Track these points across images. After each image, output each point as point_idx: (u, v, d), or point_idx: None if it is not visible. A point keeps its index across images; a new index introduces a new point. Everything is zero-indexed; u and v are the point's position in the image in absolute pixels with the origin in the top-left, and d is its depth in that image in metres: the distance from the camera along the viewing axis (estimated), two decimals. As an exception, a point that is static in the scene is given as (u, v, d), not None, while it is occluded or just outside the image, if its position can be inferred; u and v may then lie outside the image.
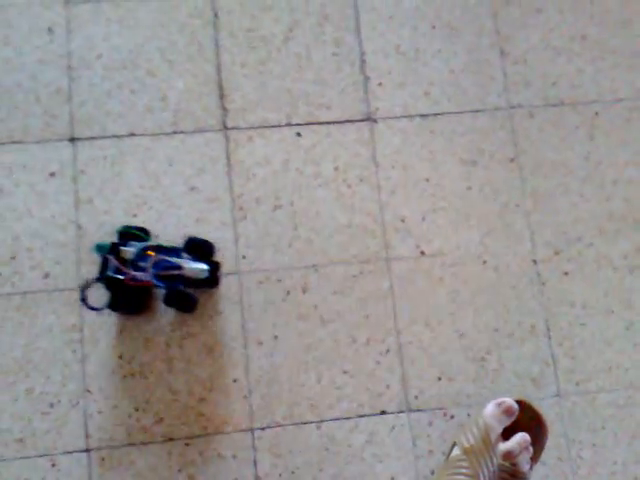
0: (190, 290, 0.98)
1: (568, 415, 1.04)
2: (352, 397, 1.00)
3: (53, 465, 0.94)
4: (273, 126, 1.09)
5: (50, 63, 1.06)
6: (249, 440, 0.97)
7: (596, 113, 1.15)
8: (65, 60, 1.06)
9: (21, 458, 0.96)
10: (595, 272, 1.09)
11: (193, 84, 1.08)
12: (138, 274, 0.93)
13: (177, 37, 1.09)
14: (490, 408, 0.91)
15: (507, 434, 0.91)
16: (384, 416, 1.00)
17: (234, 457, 0.96)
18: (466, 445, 0.88)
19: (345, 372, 1.00)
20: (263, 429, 0.98)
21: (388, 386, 1.01)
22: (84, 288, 0.94)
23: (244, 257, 1.01)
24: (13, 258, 0.99)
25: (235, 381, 0.99)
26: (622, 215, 1.09)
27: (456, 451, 0.89)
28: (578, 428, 1.04)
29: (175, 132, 1.06)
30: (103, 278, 0.91)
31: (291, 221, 1.04)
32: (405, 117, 1.10)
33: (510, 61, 1.14)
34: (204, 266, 0.96)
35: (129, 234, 0.93)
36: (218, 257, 1.02)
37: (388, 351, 1.01)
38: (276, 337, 1.00)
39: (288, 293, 1.03)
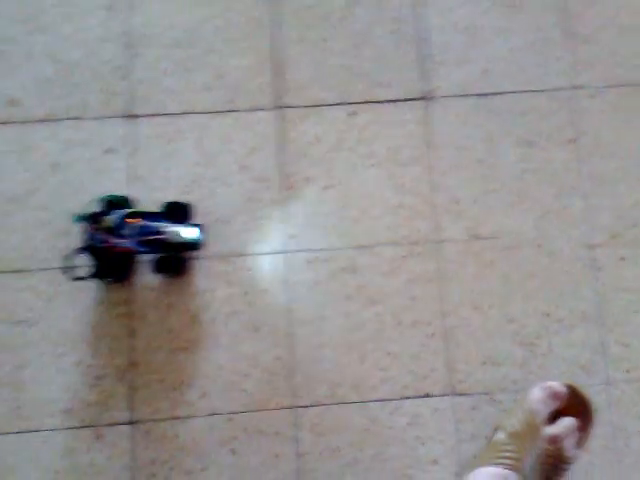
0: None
1: (616, 403, 1.06)
2: (396, 379, 1.05)
3: (98, 437, 1.03)
4: (328, 105, 1.14)
5: (109, 40, 1.13)
6: (291, 418, 1.03)
7: None
8: (124, 38, 1.12)
9: (67, 429, 1.04)
10: None
11: (249, 62, 1.13)
12: (120, 241, 0.94)
13: (234, 15, 1.15)
14: (536, 392, 0.94)
15: (554, 418, 0.93)
16: (428, 399, 1.04)
17: (276, 434, 1.02)
18: (511, 429, 0.90)
19: (389, 354, 1.05)
20: (306, 407, 1.04)
21: (433, 369, 1.05)
22: (68, 259, 0.95)
23: (293, 236, 1.06)
24: (67, 233, 1.05)
25: (279, 359, 1.04)
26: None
27: (499, 435, 0.92)
28: (626, 417, 1.06)
29: (230, 110, 1.11)
30: (86, 248, 0.93)
31: (341, 201, 1.09)
32: (462, 96, 1.14)
33: (577, 40, 1.16)
34: (187, 229, 0.97)
35: (113, 203, 0.96)
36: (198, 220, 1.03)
37: (434, 334, 1.05)
38: (321, 317, 1.05)
39: (335, 273, 1.07)
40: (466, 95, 1.13)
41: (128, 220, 0.94)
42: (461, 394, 1.05)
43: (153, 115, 1.10)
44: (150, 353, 1.05)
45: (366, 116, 1.12)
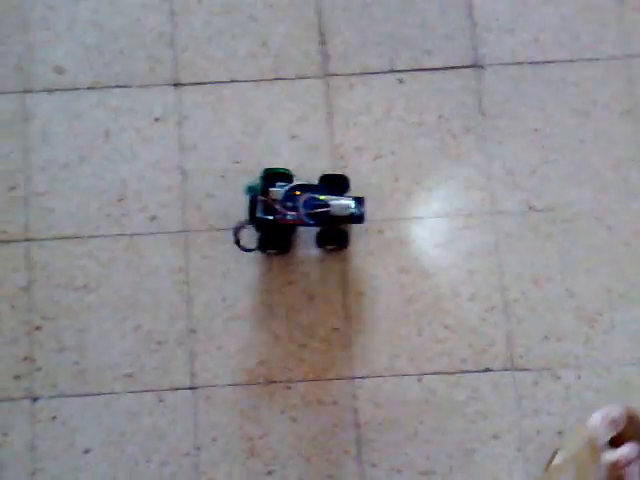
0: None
1: None
2: (454, 352, 1.08)
3: (160, 400, 1.06)
4: (375, 73, 1.17)
5: (153, 8, 1.17)
6: (350, 388, 1.06)
7: None
8: (168, 5, 1.17)
9: (130, 392, 1.07)
10: None
11: (294, 29, 1.17)
12: (290, 213, 1.03)
13: (278, -19, 1.17)
14: (596, 417, 0.97)
15: (616, 444, 0.95)
16: (488, 373, 1.08)
17: (335, 403, 1.06)
18: (569, 454, 0.93)
19: (447, 327, 1.09)
20: (363, 378, 1.07)
21: (492, 343, 1.09)
22: (237, 230, 1.05)
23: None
24: (121, 200, 1.10)
25: (336, 329, 1.08)
26: None
27: (558, 459, 0.94)
28: None
29: (276, 78, 1.16)
30: (254, 220, 1.00)
31: (392, 171, 1.13)
32: (514, 64, 1.17)
33: (629, 7, 1.18)
34: (351, 202, 1.05)
35: (274, 174, 1.02)
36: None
37: (493, 308, 1.09)
38: (377, 288, 1.09)
39: (389, 244, 1.11)
40: (518, 63, 1.17)
41: (295, 192, 1.01)
42: (522, 369, 1.08)
43: (199, 83, 1.14)
44: (207, 320, 1.10)
45: (415, 84, 1.16)
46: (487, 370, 1.09)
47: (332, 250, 1.11)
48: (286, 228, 1.03)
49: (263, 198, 1.03)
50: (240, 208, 1.07)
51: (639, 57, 1.19)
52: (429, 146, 1.15)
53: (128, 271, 1.10)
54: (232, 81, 1.15)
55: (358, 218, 1.02)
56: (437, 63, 1.18)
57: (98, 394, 1.07)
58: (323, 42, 1.17)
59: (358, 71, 1.17)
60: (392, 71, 1.18)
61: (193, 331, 1.09)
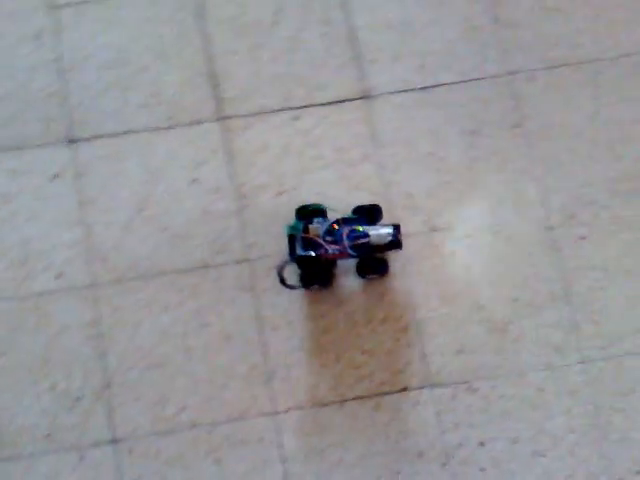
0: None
1: (595, 381, 1.17)
2: (373, 376, 1.16)
3: (81, 458, 1.11)
4: (270, 111, 1.25)
5: (41, 68, 1.24)
6: (273, 423, 1.13)
7: (599, 71, 1.29)
8: (56, 64, 1.23)
9: (49, 453, 1.11)
10: (612, 234, 1.23)
11: (185, 76, 1.25)
12: (332, 247, 1.09)
13: (165, 31, 1.27)
14: None
15: None
16: (406, 392, 1.16)
17: (259, 441, 1.12)
18: None
19: (364, 352, 1.17)
20: (287, 412, 1.14)
21: (408, 363, 1.16)
22: (280, 270, 1.09)
23: (253, 245, 1.19)
24: (24, 261, 1.16)
25: (255, 366, 1.15)
26: (634, 174, 1.25)
27: None
28: (606, 394, 1.17)
29: (172, 126, 1.23)
30: (295, 257, 1.07)
31: (296, 205, 1.20)
32: (402, 92, 1.27)
33: (505, 25, 1.30)
34: (389, 230, 1.09)
35: (309, 212, 1.11)
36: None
37: (406, 328, 1.18)
38: (291, 321, 1.17)
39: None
40: (406, 90, 1.26)
41: (334, 226, 1.08)
42: (439, 385, 1.16)
43: (94, 137, 1.21)
44: (124, 372, 1.16)
45: (310, 119, 1.24)
46: (405, 390, 1.16)
47: (373, 279, 1.17)
48: (327, 262, 1.10)
49: (305, 235, 1.10)
50: (148, 254, 1.16)
51: (520, 72, 1.29)
52: (330, 178, 1.23)
53: (38, 331, 1.14)
54: (128, 132, 1.22)
55: (397, 244, 1.09)
56: (329, 97, 1.26)
57: (17, 458, 1.10)
58: (216, 86, 1.25)
59: (253, 111, 1.25)
60: (287, 109, 1.26)
61: (109, 384, 1.13)
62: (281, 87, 1.25)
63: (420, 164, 1.24)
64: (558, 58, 1.29)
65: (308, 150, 1.23)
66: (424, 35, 1.29)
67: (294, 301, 1.16)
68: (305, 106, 1.24)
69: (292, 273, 1.14)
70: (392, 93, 1.26)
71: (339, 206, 1.16)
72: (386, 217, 1.18)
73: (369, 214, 1.12)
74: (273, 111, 1.25)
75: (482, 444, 1.14)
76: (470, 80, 1.28)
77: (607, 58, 1.29)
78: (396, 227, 1.12)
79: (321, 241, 1.07)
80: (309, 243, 1.08)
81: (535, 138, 1.26)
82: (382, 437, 1.13)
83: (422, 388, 1.16)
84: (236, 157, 1.20)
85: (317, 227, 1.11)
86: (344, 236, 1.07)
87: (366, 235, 1.07)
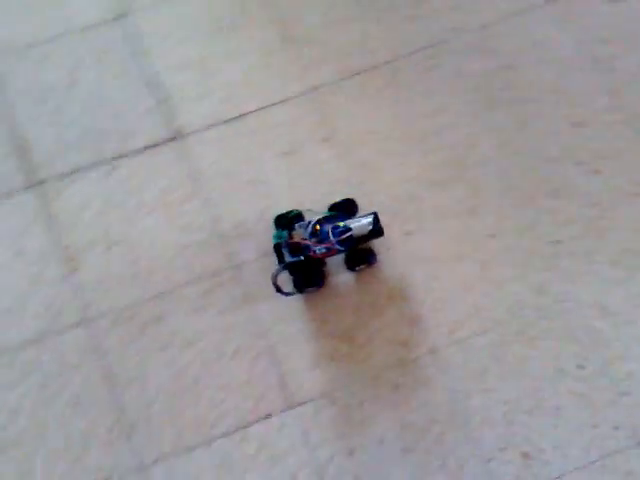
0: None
1: (448, 367, 1.21)
2: (234, 409, 1.17)
3: None
4: (84, 169, 1.25)
5: None
6: (143, 478, 1.13)
7: (396, 70, 1.34)
8: None
9: None
10: (437, 223, 1.28)
11: (-10, 151, 1.22)
12: (320, 247, 1.12)
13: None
14: None
15: None
16: (270, 419, 1.17)
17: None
18: None
19: (222, 387, 1.17)
20: (155, 462, 1.14)
21: (267, 389, 1.18)
22: (275, 279, 1.12)
23: (90, 304, 1.18)
24: None
25: (114, 424, 1.14)
26: (446, 162, 1.30)
27: None
28: (461, 378, 1.21)
29: (-15, 201, 1.20)
30: (286, 264, 1.11)
31: (129, 256, 1.21)
32: (213, 126, 1.29)
33: (298, 44, 1.34)
34: (369, 219, 1.12)
35: (286, 218, 1.17)
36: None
37: (258, 355, 1.19)
38: (144, 373, 1.16)
39: (144, 326, 1.18)
40: (216, 124, 1.29)
41: (317, 227, 1.10)
42: (300, 404, 1.17)
43: None
44: None
45: (126, 169, 1.25)
46: (269, 416, 1.17)
47: (362, 270, 1.20)
48: (317, 264, 1.14)
49: (292, 241, 1.14)
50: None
51: (323, 86, 1.33)
52: (157, 222, 1.25)
53: None
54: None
55: (378, 232, 1.13)
56: (141, 144, 1.27)
57: None
58: (23, 155, 1.24)
59: (67, 171, 1.25)
60: (100, 163, 1.26)
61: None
62: (91, 143, 1.25)
63: (245, 191, 1.26)
64: (355, 66, 1.33)
65: (130, 199, 1.24)
66: (224, 68, 1.32)
67: (139, 351, 1.13)
68: (119, 157, 1.25)
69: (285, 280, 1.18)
70: (203, 129, 1.28)
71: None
72: (219, 252, 1.23)
73: (345, 209, 1.17)
74: (87, 167, 1.25)
75: (351, 453, 1.15)
76: (276, 103, 1.31)
77: (401, 56, 1.34)
78: (375, 216, 1.14)
79: (308, 243, 1.11)
80: (296, 248, 1.13)
81: (348, 147, 1.29)
82: (252, 468, 1.12)
83: (285, 411, 1.17)
84: (57, 220, 1.19)
85: (301, 231, 1.14)
86: (329, 233, 1.10)
87: (349, 229, 1.10)
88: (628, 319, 1.21)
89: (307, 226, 1.12)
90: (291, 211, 1.18)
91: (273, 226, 1.19)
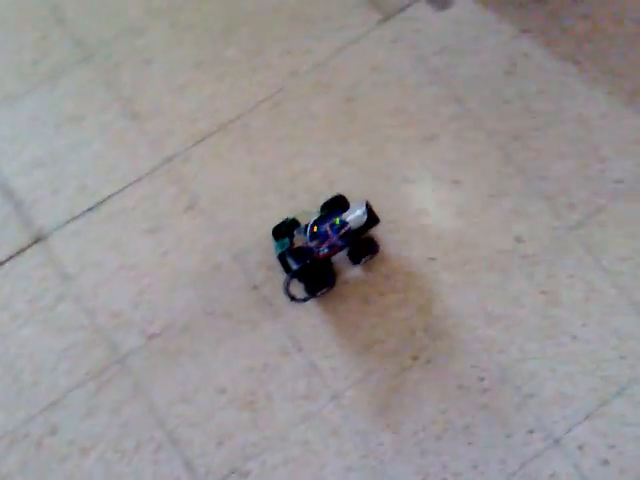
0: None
1: (352, 411, 1.21)
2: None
3: None
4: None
5: None
6: None
7: (245, 126, 1.35)
8: None
9: None
10: None
11: None
12: (322, 247, 1.13)
13: None
14: None
15: None
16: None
17: None
18: None
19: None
20: None
21: (176, 478, 1.15)
22: (287, 289, 1.14)
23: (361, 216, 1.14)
24: None
25: None
26: (310, 203, 1.27)
27: None
28: (366, 419, 1.22)
29: None
30: (294, 272, 1.11)
31: (10, 373, 1.18)
32: (73, 219, 1.26)
33: (144, 118, 1.33)
34: (362, 210, 1.13)
35: (284, 226, 1.18)
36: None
37: (160, 446, 1.15)
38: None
39: (40, 441, 1.15)
40: (75, 217, 1.26)
41: (314, 229, 1.12)
42: (213, 484, 1.11)
43: None
44: None
45: (-7, 283, 1.18)
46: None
47: (368, 261, 1.20)
48: (324, 264, 1.15)
49: (294, 247, 1.16)
50: None
51: (175, 157, 1.32)
52: (33, 332, 1.23)
53: None
54: None
55: (374, 220, 1.15)
56: (3, 255, 1.25)
57: None
58: None
59: None
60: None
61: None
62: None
63: (117, 279, 1.24)
64: (203, 130, 1.33)
65: (2, 314, 1.22)
66: (73, 159, 1.30)
67: (40, 468, 1.13)
68: (-20, 272, 1.15)
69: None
70: (63, 224, 1.26)
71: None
72: (101, 347, 1.22)
73: (337, 205, 1.18)
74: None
75: None
76: (132, 183, 1.29)
77: (246, 111, 1.34)
78: (367, 205, 1.15)
79: (311, 245, 1.12)
80: (299, 254, 1.13)
81: (212, 211, 1.29)
82: None
83: (198, 494, 1.07)
84: None
85: (301, 236, 1.15)
86: (329, 232, 1.12)
87: (345, 223, 1.12)
88: (515, 320, 1.21)
89: (305, 230, 1.13)
90: (285, 219, 1.18)
91: (273, 240, 1.20)
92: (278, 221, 1.22)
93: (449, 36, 1.34)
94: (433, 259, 1.23)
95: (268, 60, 1.35)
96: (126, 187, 1.29)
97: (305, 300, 1.17)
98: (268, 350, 1.21)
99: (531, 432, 1.13)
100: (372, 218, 1.16)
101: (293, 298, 1.15)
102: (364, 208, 1.14)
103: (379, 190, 1.26)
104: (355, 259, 1.20)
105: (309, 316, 1.21)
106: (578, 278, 1.21)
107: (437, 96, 1.32)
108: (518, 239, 1.23)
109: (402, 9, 1.37)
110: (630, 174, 1.25)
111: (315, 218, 1.15)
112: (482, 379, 1.15)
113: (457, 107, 1.28)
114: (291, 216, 1.19)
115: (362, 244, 1.19)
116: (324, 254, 1.14)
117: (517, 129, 1.28)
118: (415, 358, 1.20)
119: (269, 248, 1.22)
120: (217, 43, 1.36)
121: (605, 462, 1.14)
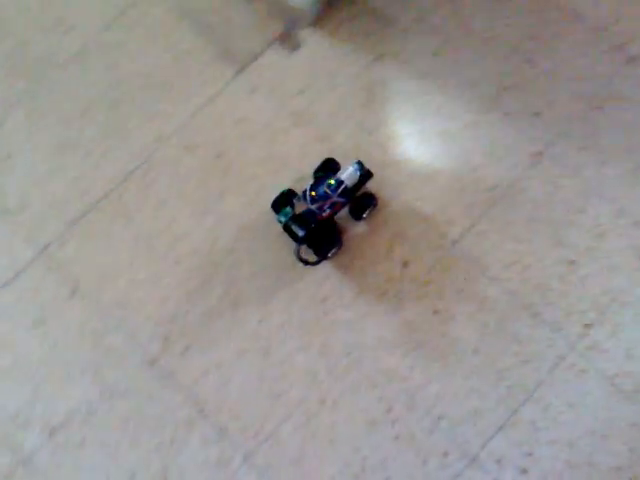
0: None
1: (267, 468, 1.19)
2: None
3: None
4: None
5: None
6: None
7: (116, 200, 1.34)
8: None
9: None
10: (204, 330, 1.26)
11: None
12: (326, 205, 1.16)
13: None
14: None
15: None
16: None
17: None
18: None
19: None
20: None
21: None
22: (298, 255, 1.16)
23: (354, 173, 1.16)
24: None
25: None
26: (196, 266, 1.29)
27: None
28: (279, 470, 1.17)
29: None
30: (302, 238, 1.14)
31: None
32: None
33: (15, 213, 1.33)
34: (355, 167, 1.17)
35: (283, 197, 1.21)
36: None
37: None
38: None
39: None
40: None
41: (312, 194, 1.15)
42: None
43: None
44: None
45: None
46: None
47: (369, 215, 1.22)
48: (329, 225, 1.17)
49: (297, 213, 1.18)
50: None
51: (51, 243, 1.30)
52: None
53: None
54: None
55: (368, 175, 1.18)
56: None
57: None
58: None
59: None
60: None
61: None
62: None
63: (7, 380, 1.25)
64: (76, 212, 1.33)
65: None
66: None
67: None
68: None
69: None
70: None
71: None
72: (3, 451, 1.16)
73: (329, 168, 1.22)
74: None
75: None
76: (10, 279, 1.29)
77: (116, 185, 1.34)
78: (359, 162, 1.18)
79: (313, 208, 1.14)
80: (303, 219, 1.15)
81: (96, 292, 1.28)
82: None
83: None
84: None
85: (301, 203, 1.15)
86: (328, 192, 1.14)
87: (341, 181, 1.14)
88: (414, 345, 1.20)
89: (304, 197, 1.14)
90: (282, 191, 1.21)
91: (273, 213, 1.21)
92: (165, 292, 1.22)
93: (305, 76, 1.34)
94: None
95: (130, 131, 1.34)
96: (5, 285, 1.27)
97: (317, 263, 1.19)
98: (174, 422, 1.18)
99: (446, 455, 1.10)
100: (366, 173, 1.19)
101: (307, 262, 1.17)
102: (356, 165, 1.16)
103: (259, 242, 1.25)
104: (357, 215, 1.23)
105: (207, 381, 1.21)
106: (468, 292, 1.19)
107: (305, 137, 1.31)
108: (404, 264, 1.20)
109: (255, 58, 1.36)
110: (503, 179, 1.25)
111: (310, 183, 1.16)
112: (390, 410, 1.11)
113: (322, 145, 1.25)
114: (286, 187, 1.22)
115: (361, 199, 1.21)
116: (327, 214, 1.16)
117: (384, 157, 1.27)
118: (322, 402, 1.16)
119: (160, 320, 1.23)
120: (75, 124, 1.35)
121: (524, 471, 1.12)
